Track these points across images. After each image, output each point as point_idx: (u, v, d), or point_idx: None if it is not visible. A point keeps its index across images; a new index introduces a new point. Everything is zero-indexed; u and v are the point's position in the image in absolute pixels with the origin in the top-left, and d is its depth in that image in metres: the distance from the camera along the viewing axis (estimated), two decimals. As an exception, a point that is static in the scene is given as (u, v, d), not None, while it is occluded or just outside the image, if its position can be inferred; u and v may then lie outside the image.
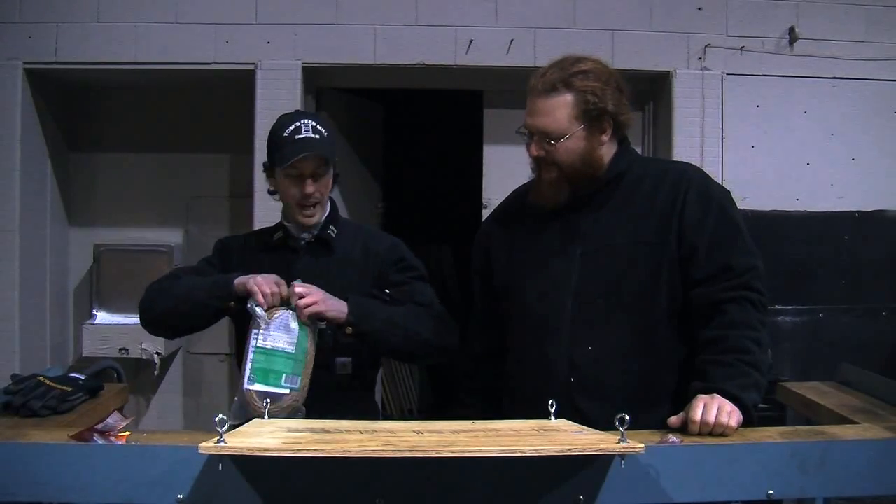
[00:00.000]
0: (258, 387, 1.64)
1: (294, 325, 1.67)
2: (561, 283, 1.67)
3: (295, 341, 1.67)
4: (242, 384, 1.65)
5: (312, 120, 1.82)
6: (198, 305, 1.74)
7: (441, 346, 1.82)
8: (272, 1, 3.53)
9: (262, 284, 1.67)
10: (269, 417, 1.51)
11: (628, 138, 1.74)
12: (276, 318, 1.67)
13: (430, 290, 1.88)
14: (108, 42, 3.48)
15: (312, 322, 1.68)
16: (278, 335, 1.66)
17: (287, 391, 1.65)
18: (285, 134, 1.78)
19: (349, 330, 1.70)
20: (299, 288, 1.67)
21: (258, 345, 1.65)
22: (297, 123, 1.79)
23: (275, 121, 1.86)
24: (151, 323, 1.82)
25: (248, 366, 1.65)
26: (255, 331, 1.66)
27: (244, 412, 1.63)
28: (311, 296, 1.66)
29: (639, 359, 1.63)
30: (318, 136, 1.79)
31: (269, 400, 1.55)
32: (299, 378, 1.66)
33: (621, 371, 1.63)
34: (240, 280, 1.71)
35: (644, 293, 1.64)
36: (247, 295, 1.68)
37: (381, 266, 1.87)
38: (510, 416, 1.58)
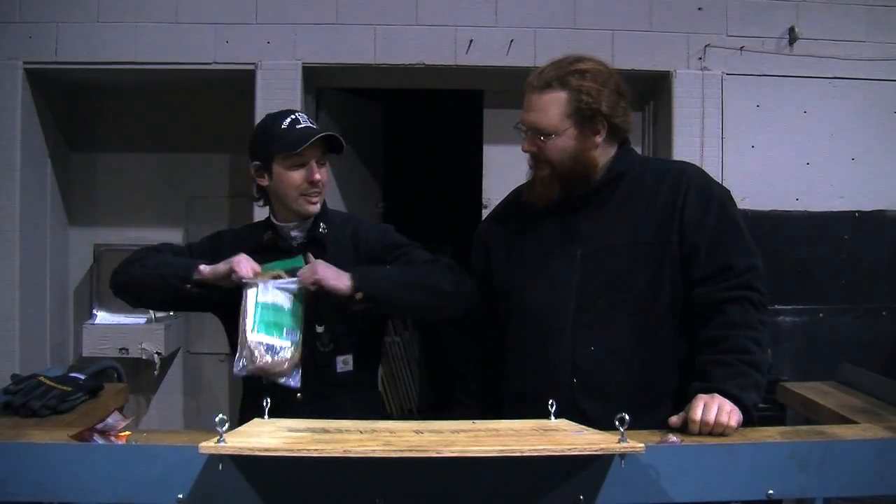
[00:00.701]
0: (262, 336, 1.66)
1: (291, 286, 1.71)
2: (562, 284, 1.67)
3: (291, 298, 1.71)
4: (246, 334, 1.66)
5: (304, 113, 1.85)
6: (161, 279, 1.75)
7: (460, 292, 1.77)
8: (272, 1, 3.53)
9: (242, 262, 1.69)
10: (275, 378, 1.66)
11: (629, 140, 1.74)
12: (274, 280, 1.71)
13: (428, 253, 1.86)
14: (108, 42, 3.47)
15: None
16: (277, 292, 1.70)
17: (288, 343, 1.68)
18: (283, 126, 1.79)
19: (359, 296, 1.68)
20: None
21: (259, 300, 1.68)
22: (293, 116, 1.81)
23: (259, 121, 1.87)
24: (116, 285, 1.85)
25: (252, 317, 1.67)
26: (253, 289, 1.69)
27: (249, 361, 1.65)
28: (314, 275, 1.68)
29: (641, 359, 1.63)
30: (315, 126, 1.81)
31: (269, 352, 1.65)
32: (297, 332, 1.70)
33: (623, 371, 1.63)
34: (208, 268, 1.72)
35: (645, 293, 1.64)
36: (216, 278, 1.71)
37: (372, 251, 1.86)
38: (510, 416, 1.57)
